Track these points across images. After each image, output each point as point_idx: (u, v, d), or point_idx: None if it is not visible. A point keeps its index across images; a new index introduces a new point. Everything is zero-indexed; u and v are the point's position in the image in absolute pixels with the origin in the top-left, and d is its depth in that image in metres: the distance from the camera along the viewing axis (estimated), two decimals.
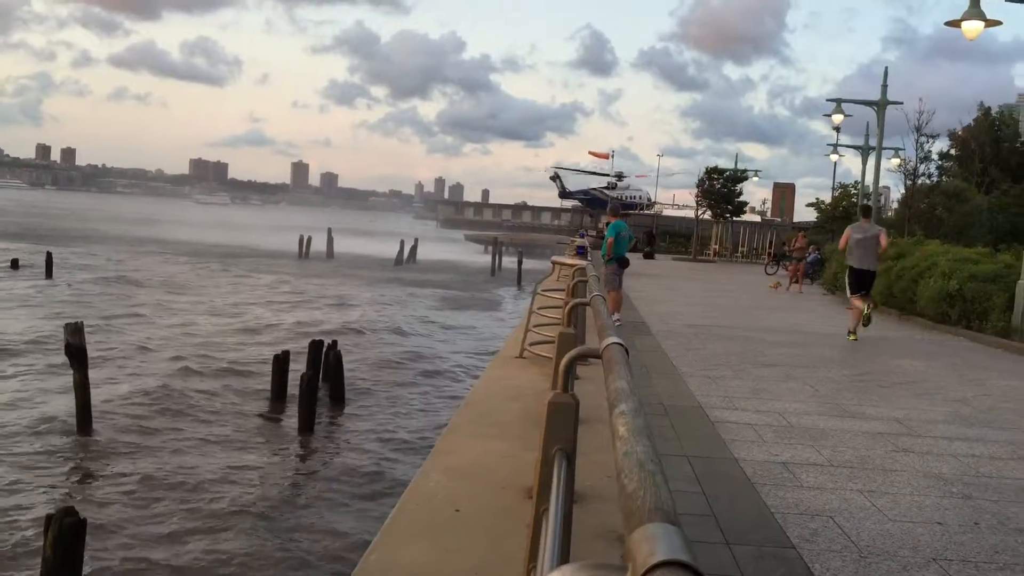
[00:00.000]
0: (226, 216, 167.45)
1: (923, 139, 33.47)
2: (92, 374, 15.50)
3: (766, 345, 13.25)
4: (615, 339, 2.91)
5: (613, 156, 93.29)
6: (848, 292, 14.87)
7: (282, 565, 10.47)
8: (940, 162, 41.78)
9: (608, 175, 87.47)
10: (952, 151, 43.76)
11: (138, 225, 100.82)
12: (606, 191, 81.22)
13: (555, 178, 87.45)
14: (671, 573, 0.98)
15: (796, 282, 26.40)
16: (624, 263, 14.53)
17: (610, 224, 14.85)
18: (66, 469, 13.38)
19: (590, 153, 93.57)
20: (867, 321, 14.33)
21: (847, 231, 14.93)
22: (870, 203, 20.46)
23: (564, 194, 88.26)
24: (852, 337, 14.35)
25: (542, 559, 2.38)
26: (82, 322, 15.61)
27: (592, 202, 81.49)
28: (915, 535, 5.04)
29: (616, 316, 13.54)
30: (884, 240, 14.53)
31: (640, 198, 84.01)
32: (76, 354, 14.74)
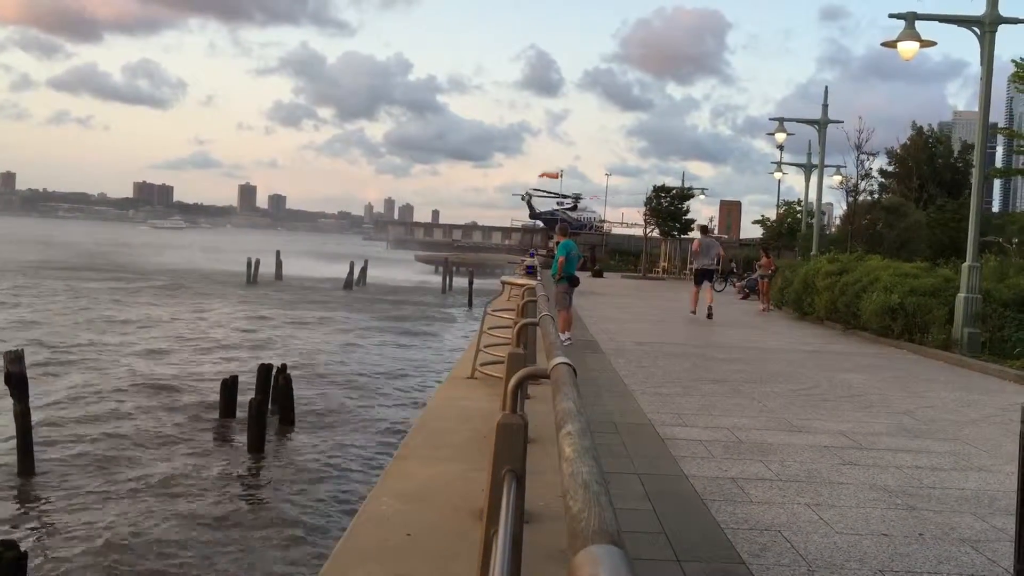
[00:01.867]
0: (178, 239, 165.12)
1: (863, 157, 34.20)
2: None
3: (715, 362, 13.39)
4: (563, 359, 2.92)
5: (562, 175, 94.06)
6: (694, 283, 21.97)
7: None
8: (880, 179, 42.77)
9: (568, 196, 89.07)
10: (891, 168, 44.85)
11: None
12: (568, 212, 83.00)
13: (526, 198, 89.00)
14: None
15: (766, 299, 25.36)
16: (574, 282, 14.66)
17: (560, 243, 14.97)
18: (5, 502, 13.00)
19: (541, 175, 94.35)
20: (710, 311, 20.59)
21: (696, 242, 22.78)
22: (708, 223, 26.00)
23: (534, 215, 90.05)
24: (693, 312, 20.91)
25: None
26: (22, 350, 15.22)
27: (556, 223, 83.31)
28: (862, 547, 5.11)
29: (567, 335, 13.63)
30: (720, 251, 23.24)
31: (593, 219, 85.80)
32: (16, 383, 14.35)
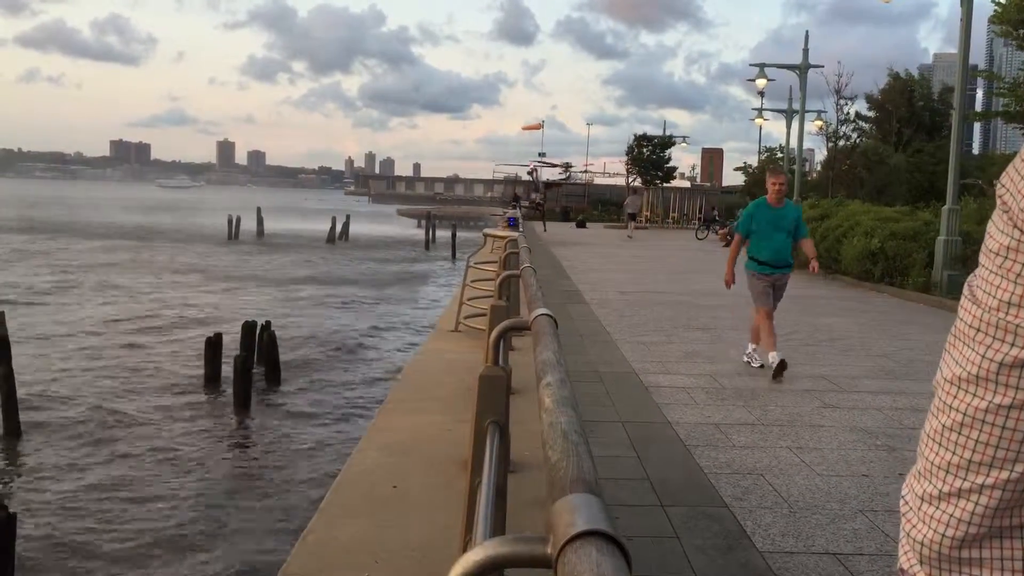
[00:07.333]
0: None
1: (843, 102, 34.05)
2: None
3: (697, 309, 13.46)
4: (543, 310, 2.92)
5: (544, 126, 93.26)
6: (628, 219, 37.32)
7: (220, 549, 10.35)
8: (859, 124, 42.66)
9: (557, 164, 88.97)
10: (869, 113, 44.71)
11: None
12: (565, 179, 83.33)
13: (532, 172, 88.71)
14: (590, 543, 0.99)
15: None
16: (768, 267, 8.72)
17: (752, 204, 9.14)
18: None
19: (524, 128, 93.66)
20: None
21: (628, 199, 38.80)
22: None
23: (536, 187, 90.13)
24: (629, 237, 33.76)
25: (476, 531, 2.39)
26: (3, 312, 15.10)
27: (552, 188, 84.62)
28: (842, 488, 5.20)
29: (773, 355, 8.33)
30: (639, 201, 40.37)
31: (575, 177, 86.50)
32: None
